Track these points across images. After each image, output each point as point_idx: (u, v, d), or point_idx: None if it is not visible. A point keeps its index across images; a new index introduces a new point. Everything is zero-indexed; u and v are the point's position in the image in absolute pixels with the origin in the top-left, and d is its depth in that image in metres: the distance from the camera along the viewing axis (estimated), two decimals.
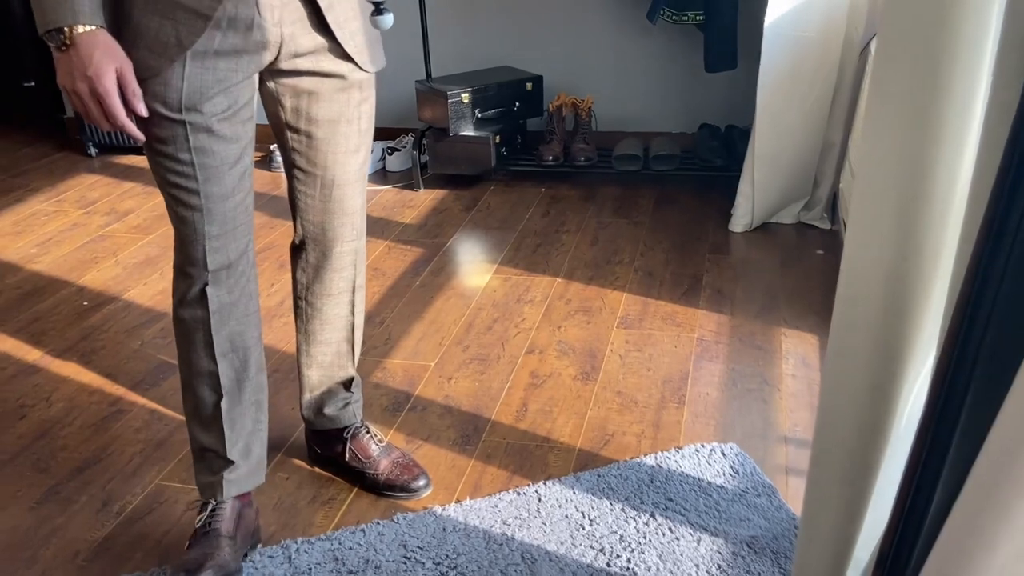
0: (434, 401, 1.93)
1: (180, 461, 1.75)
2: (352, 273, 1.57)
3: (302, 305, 1.59)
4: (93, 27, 1.17)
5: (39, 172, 3.52)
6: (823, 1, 2.35)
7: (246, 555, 1.48)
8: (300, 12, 1.30)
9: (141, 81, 1.23)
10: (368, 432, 1.68)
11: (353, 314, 1.60)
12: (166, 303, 2.41)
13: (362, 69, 1.39)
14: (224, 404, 1.41)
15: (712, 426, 1.80)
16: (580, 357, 2.07)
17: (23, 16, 4.11)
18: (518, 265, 2.56)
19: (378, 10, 1.28)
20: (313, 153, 1.43)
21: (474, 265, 2.59)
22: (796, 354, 2.05)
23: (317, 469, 1.72)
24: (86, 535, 1.57)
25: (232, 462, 1.44)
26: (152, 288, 2.50)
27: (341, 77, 1.38)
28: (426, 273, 2.54)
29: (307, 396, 1.65)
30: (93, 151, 3.68)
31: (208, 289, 1.35)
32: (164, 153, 1.28)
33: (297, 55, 1.33)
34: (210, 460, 1.45)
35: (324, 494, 1.66)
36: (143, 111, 1.23)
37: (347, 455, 1.65)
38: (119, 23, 1.24)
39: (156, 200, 3.15)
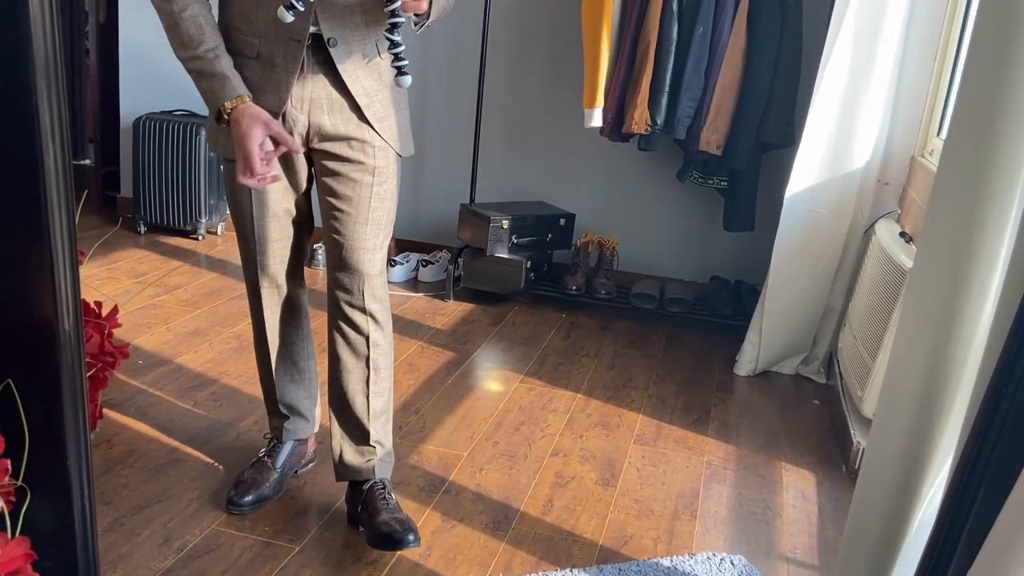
0: (467, 488, 2.10)
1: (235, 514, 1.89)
2: (365, 338, 1.86)
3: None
4: (241, 98, 1.58)
5: (90, 241, 3.73)
6: (836, 184, 2.71)
7: (296, 472, 2.05)
8: (327, 106, 1.66)
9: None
10: (384, 488, 1.86)
11: (368, 367, 1.86)
12: (216, 370, 2.58)
13: (399, 155, 1.77)
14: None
15: (721, 539, 1.98)
16: (600, 465, 2.26)
17: (88, 97, 4.45)
18: (542, 378, 2.78)
19: (400, 72, 1.60)
20: (335, 223, 1.75)
21: (501, 373, 2.80)
22: (796, 487, 2.25)
23: (362, 529, 1.86)
24: (150, 564, 1.69)
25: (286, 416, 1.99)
26: (202, 356, 2.67)
27: (359, 163, 1.72)
28: (457, 374, 2.74)
29: (335, 441, 1.88)
30: (142, 228, 3.93)
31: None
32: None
33: (324, 139, 1.70)
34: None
35: (368, 556, 1.80)
36: (298, 149, 1.64)
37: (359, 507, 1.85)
38: None
39: (203, 279, 3.37)
